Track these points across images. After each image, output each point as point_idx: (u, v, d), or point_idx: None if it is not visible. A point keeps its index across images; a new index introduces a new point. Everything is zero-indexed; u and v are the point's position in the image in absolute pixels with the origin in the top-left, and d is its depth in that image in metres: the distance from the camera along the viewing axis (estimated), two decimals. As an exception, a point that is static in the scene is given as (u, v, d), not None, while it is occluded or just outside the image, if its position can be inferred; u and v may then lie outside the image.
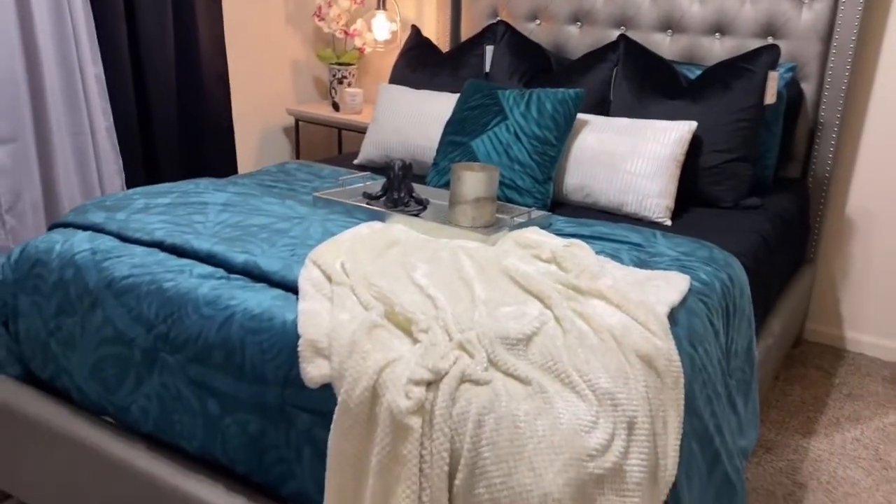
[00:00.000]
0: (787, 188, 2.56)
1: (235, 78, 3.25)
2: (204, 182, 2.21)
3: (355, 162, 2.73)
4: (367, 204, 2.09)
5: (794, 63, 2.54)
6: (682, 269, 1.76)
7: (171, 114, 2.95)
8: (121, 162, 2.79)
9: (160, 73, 2.87)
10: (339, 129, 3.58)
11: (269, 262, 1.62)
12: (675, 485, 1.25)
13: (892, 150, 2.63)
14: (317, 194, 2.11)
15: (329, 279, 1.52)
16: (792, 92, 2.52)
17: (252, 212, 1.95)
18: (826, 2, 2.50)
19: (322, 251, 1.63)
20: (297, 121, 3.56)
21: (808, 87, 2.60)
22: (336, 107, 3.47)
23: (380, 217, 1.97)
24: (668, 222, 2.16)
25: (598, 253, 1.77)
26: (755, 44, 2.62)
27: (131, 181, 2.84)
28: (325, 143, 3.84)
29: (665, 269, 1.76)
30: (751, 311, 1.87)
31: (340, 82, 3.49)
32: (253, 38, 3.40)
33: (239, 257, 1.65)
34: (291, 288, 1.54)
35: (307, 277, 1.52)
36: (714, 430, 1.48)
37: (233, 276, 1.62)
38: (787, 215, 2.39)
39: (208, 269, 1.64)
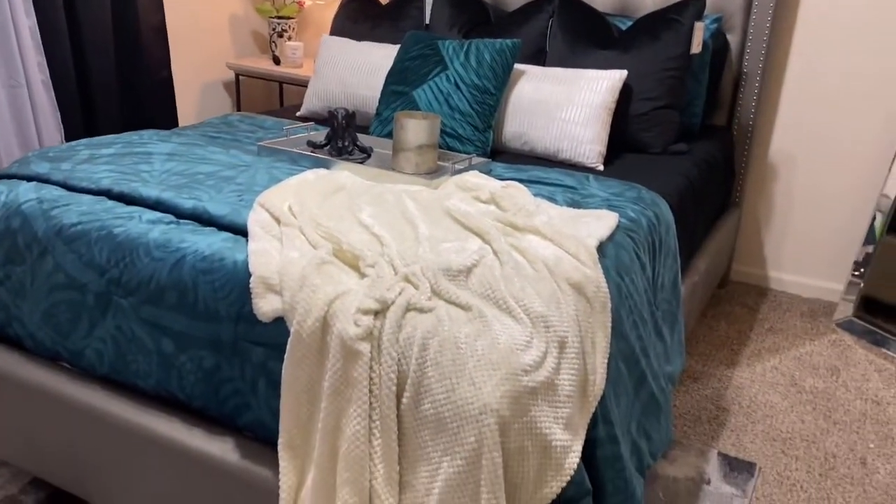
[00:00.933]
0: (714, 135, 2.70)
1: (174, 32, 3.22)
2: (148, 133, 2.23)
3: (298, 114, 2.75)
4: (312, 152, 2.14)
5: (720, 14, 2.65)
6: (612, 208, 1.87)
7: (109, 67, 2.92)
8: (59, 115, 2.76)
9: (96, 26, 2.83)
10: (281, 82, 3.58)
11: (217, 207, 1.67)
12: (603, 399, 1.37)
13: (811, 97, 2.79)
14: (261, 143, 2.15)
15: (278, 221, 1.58)
16: (718, 43, 2.64)
17: (198, 161, 1.98)
18: (749, -45, 2.61)
19: (270, 195, 1.69)
20: (237, 75, 3.55)
21: (733, 39, 2.72)
22: (277, 60, 3.47)
23: (325, 164, 2.03)
24: (601, 167, 2.27)
25: (534, 195, 1.87)
26: (684, -5, 2.72)
27: (70, 136, 2.82)
28: (266, 97, 3.84)
29: (596, 208, 1.87)
30: (676, 247, 2.00)
31: (280, 36, 3.49)
32: (190, -10, 3.36)
33: (187, 203, 1.69)
34: (240, 231, 1.60)
35: (256, 220, 1.58)
36: (640, 353, 1.60)
37: (182, 220, 1.67)
38: (712, 160, 2.53)
39: (157, 214, 1.68)
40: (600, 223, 1.69)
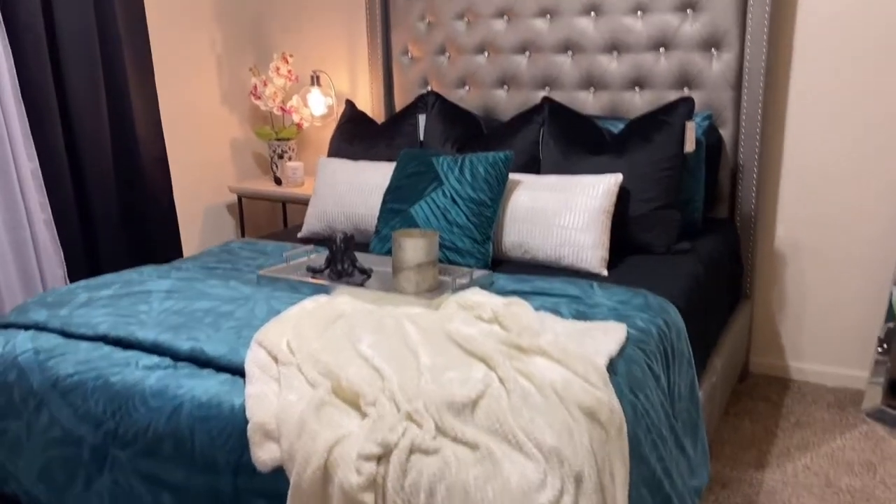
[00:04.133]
0: (717, 229, 2.68)
1: (175, 160, 3.28)
2: (147, 269, 2.22)
3: (299, 235, 2.76)
4: (312, 278, 2.12)
5: (709, 111, 2.68)
6: (620, 317, 1.83)
7: (111, 202, 2.96)
8: (62, 254, 2.78)
9: (97, 162, 2.88)
10: (283, 202, 3.61)
11: (214, 347, 1.64)
12: (626, 533, 1.29)
13: (809, 182, 2.78)
14: (261, 272, 2.13)
15: (275, 360, 1.54)
16: (711, 138, 2.66)
17: (196, 296, 1.96)
18: (733, 52, 2.66)
19: (268, 331, 1.66)
20: (239, 197, 3.59)
21: (725, 132, 2.74)
22: (278, 181, 3.52)
23: (325, 290, 2.01)
24: (605, 272, 2.24)
25: (538, 308, 1.83)
26: (673, 95, 2.76)
27: (74, 273, 2.82)
28: (269, 218, 3.87)
29: (603, 319, 1.82)
30: (690, 352, 1.94)
31: (281, 157, 3.55)
32: (191, 119, 3.44)
33: (185, 345, 1.66)
34: (239, 371, 1.56)
35: (253, 360, 1.54)
36: (662, 474, 1.52)
37: (179, 363, 1.63)
38: (717, 255, 2.49)
39: (154, 359, 1.65)
40: (608, 337, 1.64)
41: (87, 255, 2.92)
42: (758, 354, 3.01)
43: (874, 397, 2.67)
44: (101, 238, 2.93)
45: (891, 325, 2.63)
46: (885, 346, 2.64)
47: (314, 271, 2.14)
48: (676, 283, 2.16)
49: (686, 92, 2.77)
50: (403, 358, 1.51)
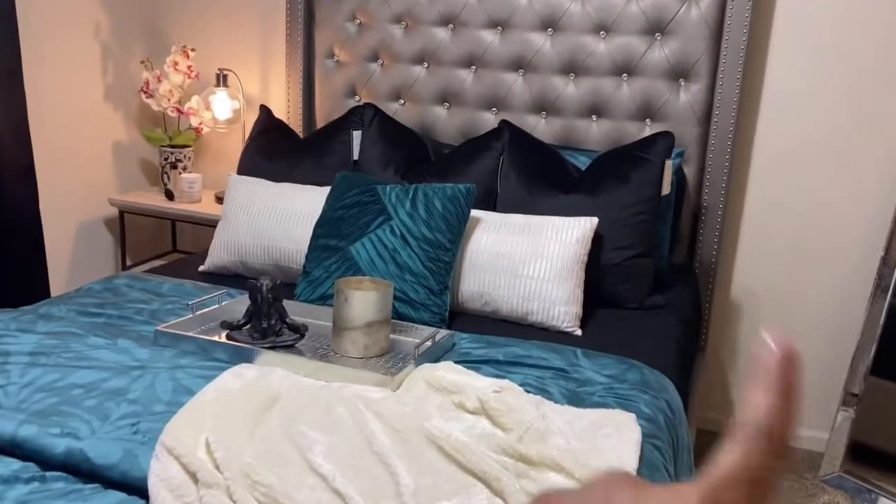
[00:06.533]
0: (681, 278, 2.43)
1: (44, 167, 2.70)
2: (5, 318, 1.69)
3: (202, 269, 2.28)
4: (228, 338, 1.68)
5: (680, 148, 2.43)
6: (619, 400, 1.51)
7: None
8: None
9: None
10: (174, 220, 3.09)
11: (101, 449, 1.18)
12: None
13: (770, 227, 2.59)
14: (160, 328, 1.66)
15: (194, 478, 1.10)
16: (677, 177, 2.41)
17: (73, 362, 1.48)
18: (703, 83, 2.43)
19: (178, 428, 1.21)
20: (121, 212, 3.03)
21: (689, 170, 2.50)
22: (170, 195, 3.00)
23: (247, 356, 1.57)
24: (579, 331, 1.92)
25: (522, 385, 1.48)
26: (632, 127, 2.50)
27: None
28: (156, 238, 3.32)
29: (599, 399, 1.51)
30: (689, 438, 1.65)
31: (174, 167, 3.03)
32: (64, 119, 2.86)
33: (58, 444, 1.19)
34: (138, 491, 1.11)
35: (162, 478, 1.10)
36: None
37: (50, 474, 1.16)
38: (688, 308, 2.24)
39: (14, 464, 1.17)
40: (623, 436, 1.31)
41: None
42: (707, 409, 2.79)
43: (833, 460, 2.50)
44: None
45: (853, 388, 2.46)
46: (847, 409, 2.47)
47: (231, 328, 1.69)
48: (661, 347, 1.88)
49: (648, 124, 2.51)
50: (374, 476, 1.12)
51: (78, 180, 2.97)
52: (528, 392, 1.46)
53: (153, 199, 2.99)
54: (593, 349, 1.77)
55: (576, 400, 1.49)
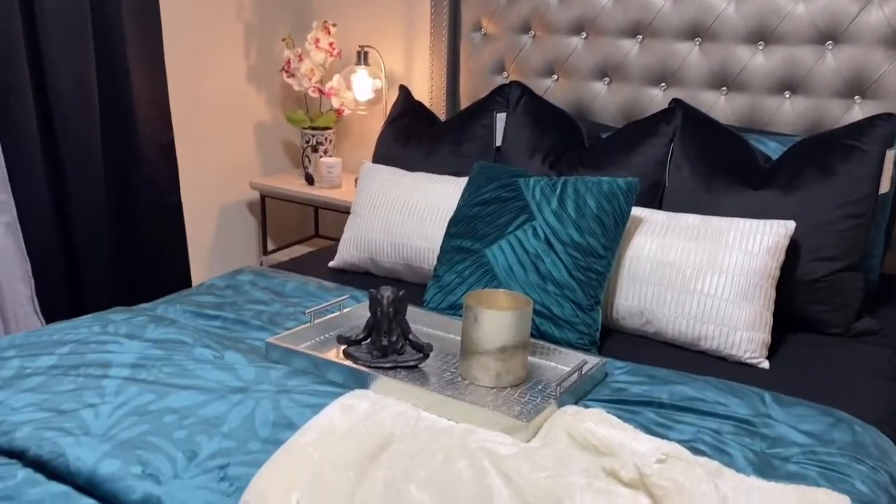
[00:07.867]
0: (893, 292, 1.97)
1: (184, 148, 2.64)
2: (118, 319, 1.58)
3: (331, 265, 2.11)
4: (344, 354, 1.47)
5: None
6: (824, 469, 1.16)
7: (98, 200, 2.33)
8: (28, 266, 2.17)
9: (81, 148, 2.26)
10: (313, 206, 2.97)
11: (181, 500, 1.00)
12: None
13: None
14: (272, 340, 1.48)
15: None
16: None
17: (173, 379, 1.33)
18: (936, 52, 1.93)
19: (266, 482, 1.01)
20: (262, 196, 2.95)
21: (909, 159, 2.02)
22: (310, 179, 2.87)
23: (362, 380, 1.35)
24: (766, 363, 1.56)
25: (693, 442, 1.17)
26: (836, 106, 2.05)
27: (44, 288, 2.22)
28: (298, 224, 3.23)
29: (796, 468, 1.17)
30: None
31: (315, 150, 2.90)
32: (207, 98, 2.80)
33: (136, 489, 1.03)
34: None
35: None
36: None
37: (123, 525, 1.00)
38: (906, 335, 1.79)
39: (86, 507, 1.02)
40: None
41: (66, 268, 2.31)
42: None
43: None
44: (81, 247, 2.31)
45: None
46: None
47: (348, 342, 1.48)
48: (876, 390, 1.48)
49: (857, 102, 2.04)
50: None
51: (219, 162, 2.91)
52: (700, 452, 1.15)
53: (293, 184, 2.89)
54: (785, 390, 1.41)
55: (764, 467, 1.16)
